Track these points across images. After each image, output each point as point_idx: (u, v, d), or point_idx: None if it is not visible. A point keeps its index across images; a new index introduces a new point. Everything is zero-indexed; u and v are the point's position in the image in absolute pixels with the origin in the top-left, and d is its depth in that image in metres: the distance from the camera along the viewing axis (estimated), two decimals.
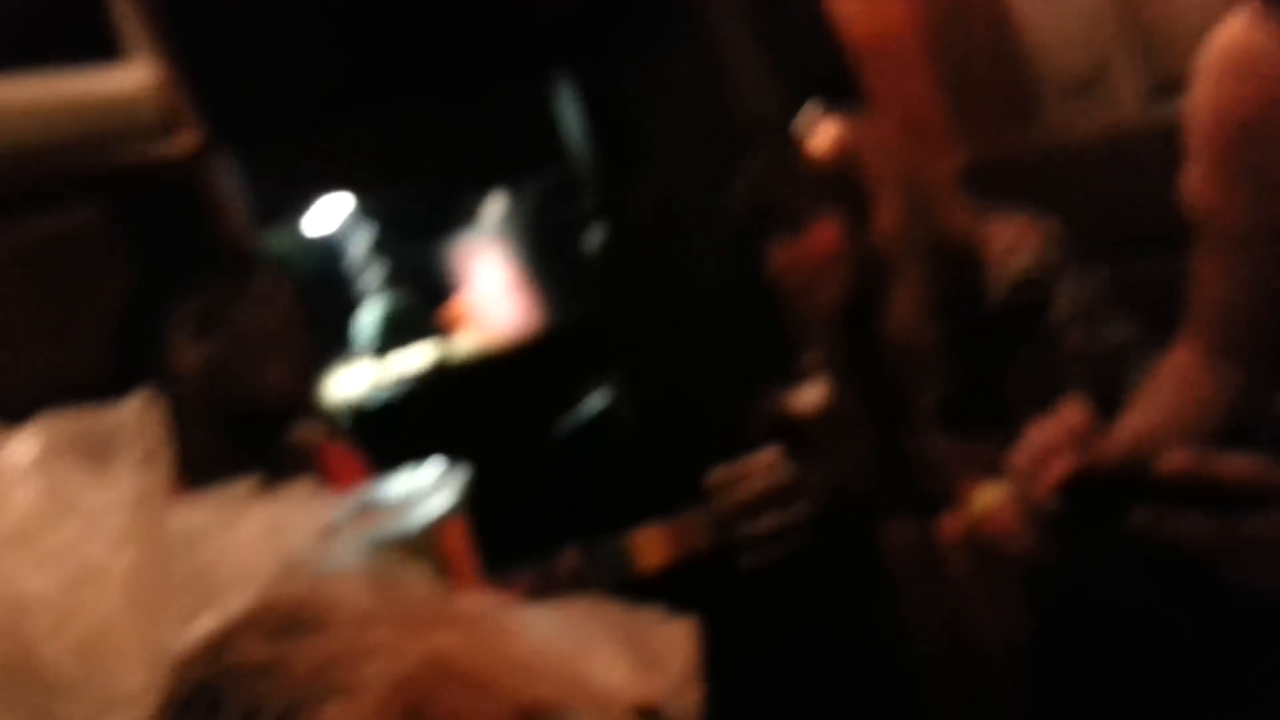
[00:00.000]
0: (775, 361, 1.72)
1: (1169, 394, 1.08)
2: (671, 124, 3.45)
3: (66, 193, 1.88)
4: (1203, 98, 1.05)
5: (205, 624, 0.56)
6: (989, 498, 1.40)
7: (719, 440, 1.53)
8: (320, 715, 0.45)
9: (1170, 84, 1.90)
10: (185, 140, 1.93)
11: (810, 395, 1.38)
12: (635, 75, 3.63)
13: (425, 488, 0.71)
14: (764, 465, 1.29)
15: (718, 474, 1.29)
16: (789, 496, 1.27)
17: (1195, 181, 1.08)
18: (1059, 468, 0.77)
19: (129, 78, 1.82)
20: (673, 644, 0.48)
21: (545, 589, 1.22)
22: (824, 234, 1.51)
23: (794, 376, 1.66)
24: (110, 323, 1.39)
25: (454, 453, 1.21)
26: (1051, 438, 0.80)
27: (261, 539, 0.63)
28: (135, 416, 0.57)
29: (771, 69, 2.55)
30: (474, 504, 0.84)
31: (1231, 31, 1.02)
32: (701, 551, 1.27)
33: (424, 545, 0.63)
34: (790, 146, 1.55)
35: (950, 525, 1.47)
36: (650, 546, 1.27)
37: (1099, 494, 0.76)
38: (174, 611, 0.54)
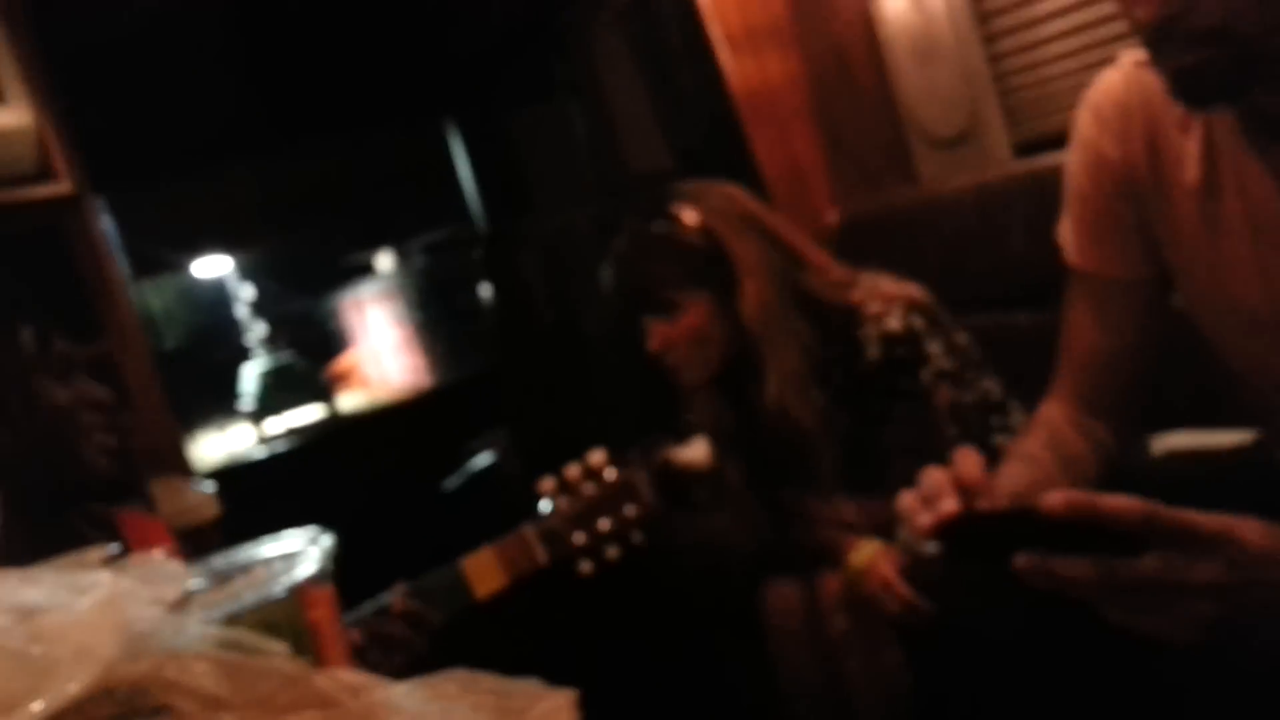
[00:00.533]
0: (662, 414, 1.71)
1: (1039, 452, 1.09)
2: (559, 174, 3.46)
3: None
4: (1078, 147, 1.07)
5: (34, 709, 0.51)
6: (867, 554, 1.41)
7: None
8: None
9: (1037, 140, 1.99)
10: (60, 185, 1.88)
11: (696, 450, 1.38)
12: (522, 125, 3.65)
13: (289, 554, 0.66)
14: (591, 468, 1.28)
15: (547, 482, 1.27)
16: (619, 497, 1.27)
17: (1068, 231, 1.11)
18: (941, 511, 0.77)
19: (4, 119, 1.77)
20: (550, 718, 0.46)
21: (381, 632, 1.18)
22: (693, 314, 1.54)
23: (680, 430, 1.66)
24: None
25: (338, 510, 1.15)
26: (937, 484, 0.80)
27: (103, 614, 0.58)
28: None
29: (658, 121, 2.58)
30: (354, 562, 0.79)
31: (1108, 81, 1.04)
32: (539, 567, 1.24)
33: (285, 616, 0.59)
34: (656, 227, 1.56)
35: (830, 584, 1.47)
36: (484, 571, 1.24)
37: (980, 538, 0.76)
38: None
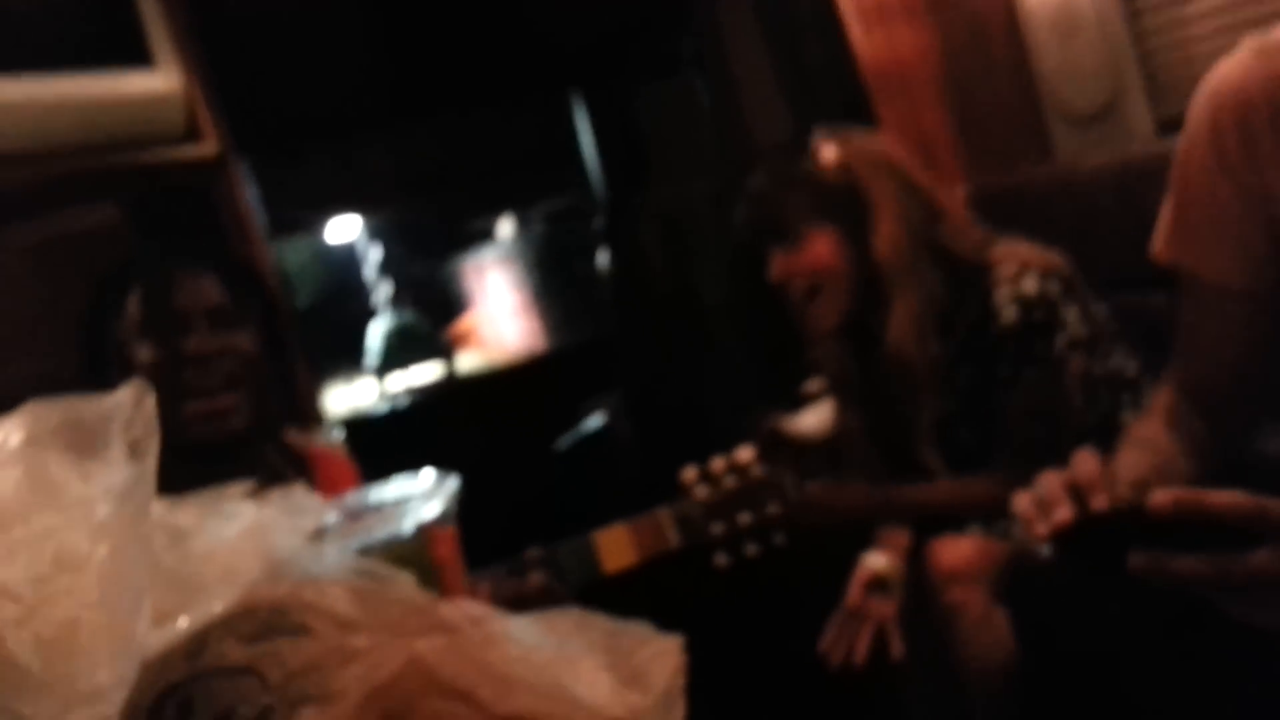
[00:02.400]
0: (776, 385, 1.71)
1: (1159, 435, 1.06)
2: (682, 147, 3.46)
3: (89, 192, 1.90)
4: (1187, 142, 1.02)
5: (183, 623, 0.55)
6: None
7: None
8: None
9: (1182, 118, 1.90)
10: (207, 146, 1.94)
11: (810, 419, 1.37)
12: (647, 98, 3.65)
13: (416, 495, 0.70)
14: (737, 463, 1.27)
15: (689, 472, 1.27)
16: (762, 495, 1.25)
17: (1166, 228, 1.05)
18: (1058, 517, 0.76)
19: (155, 82, 1.84)
20: (658, 662, 0.47)
21: (511, 591, 1.20)
22: (818, 246, 1.52)
23: (795, 400, 1.65)
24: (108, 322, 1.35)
25: (454, 464, 1.19)
26: (1053, 489, 0.79)
27: (248, 540, 0.62)
28: (125, 408, 0.56)
29: (783, 95, 2.55)
30: (468, 516, 0.82)
31: (1222, 73, 0.99)
32: (671, 551, 1.24)
33: (412, 553, 0.62)
34: (794, 161, 1.55)
35: (947, 552, 1.46)
36: (615, 547, 1.23)
37: (1095, 540, 0.75)
38: (151, 609, 0.53)
